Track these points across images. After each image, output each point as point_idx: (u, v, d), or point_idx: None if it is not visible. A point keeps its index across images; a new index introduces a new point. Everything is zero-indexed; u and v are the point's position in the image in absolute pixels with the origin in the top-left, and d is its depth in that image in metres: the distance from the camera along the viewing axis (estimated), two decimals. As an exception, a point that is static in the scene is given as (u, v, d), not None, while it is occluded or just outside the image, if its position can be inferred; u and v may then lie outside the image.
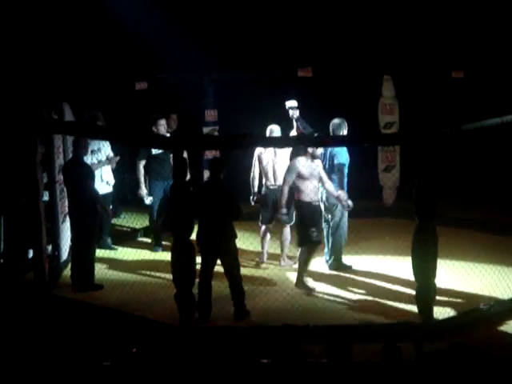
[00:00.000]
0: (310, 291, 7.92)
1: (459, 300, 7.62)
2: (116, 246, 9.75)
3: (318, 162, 8.24)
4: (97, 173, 8.97)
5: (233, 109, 11.49)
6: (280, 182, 8.75)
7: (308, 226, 7.95)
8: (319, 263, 8.64)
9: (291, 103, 8.76)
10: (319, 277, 8.32)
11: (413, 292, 7.12)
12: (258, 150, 8.91)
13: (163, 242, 9.56)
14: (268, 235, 8.98)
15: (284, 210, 8.21)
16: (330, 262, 8.66)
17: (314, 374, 5.16)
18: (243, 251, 8.93)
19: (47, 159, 8.48)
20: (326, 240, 8.62)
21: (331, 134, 8.46)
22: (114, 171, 9.87)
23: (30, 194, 7.83)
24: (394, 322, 7.03)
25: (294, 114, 8.72)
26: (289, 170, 8.12)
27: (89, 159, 9.01)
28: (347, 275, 8.52)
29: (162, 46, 11.22)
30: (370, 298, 7.78)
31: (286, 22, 11.71)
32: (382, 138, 9.18)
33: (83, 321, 7.21)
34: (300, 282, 8.04)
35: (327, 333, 6.43)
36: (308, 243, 7.98)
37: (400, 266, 8.36)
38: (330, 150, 8.47)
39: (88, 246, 8.16)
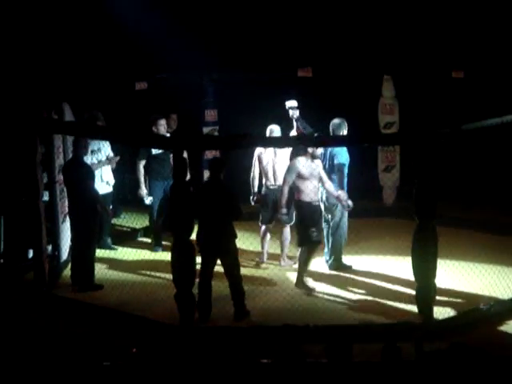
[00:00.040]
0: (310, 291, 7.92)
1: (459, 300, 7.62)
2: (116, 246, 9.75)
3: (318, 161, 8.25)
4: (97, 173, 8.97)
5: (233, 109, 11.49)
6: (280, 182, 8.75)
7: (308, 226, 7.95)
8: (319, 263, 8.64)
9: (291, 103, 8.76)
10: (319, 277, 8.32)
11: (413, 292, 7.12)
12: (258, 150, 8.91)
13: (163, 242, 9.56)
14: (268, 235, 8.98)
15: (284, 210, 8.22)
16: (330, 261, 8.66)
17: (314, 374, 5.17)
18: (243, 251, 8.92)
19: (47, 159, 8.48)
20: (325, 240, 8.62)
21: (331, 134, 8.47)
22: (114, 171, 9.87)
23: (30, 193, 7.83)
24: (394, 322, 7.03)
25: (294, 114, 8.72)
26: (289, 169, 8.12)
27: (89, 159, 9.01)
28: (347, 275, 8.52)
29: (162, 46, 11.22)
30: (369, 298, 7.78)
31: (286, 22, 11.71)
32: (382, 137, 9.19)
33: (83, 321, 7.21)
34: (300, 281, 8.04)
35: (327, 333, 6.43)
36: (308, 243, 7.98)
37: (400, 266, 8.36)
38: (329, 150, 8.47)
39: (88, 246, 8.17)
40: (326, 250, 8.69)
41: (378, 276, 8.42)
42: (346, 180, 8.43)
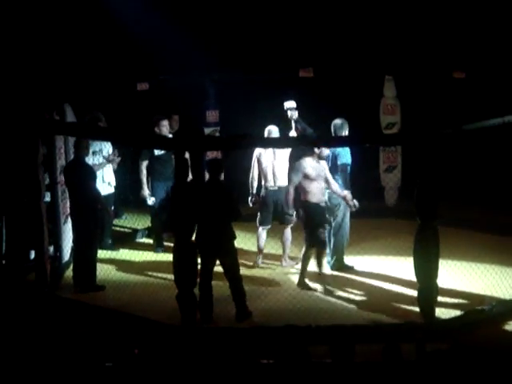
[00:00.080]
0: (312, 291, 7.92)
1: (461, 300, 7.61)
2: (117, 247, 9.75)
3: (324, 162, 8.23)
4: (98, 174, 8.98)
5: (234, 110, 11.50)
6: (280, 183, 8.75)
7: (316, 227, 7.95)
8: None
9: (290, 104, 8.74)
10: (321, 277, 8.31)
11: (415, 292, 7.12)
12: (257, 152, 8.89)
13: (165, 243, 9.57)
14: (264, 237, 8.93)
15: (292, 210, 8.18)
16: (331, 262, 8.66)
17: (316, 374, 5.17)
18: (244, 252, 8.95)
19: (49, 160, 8.49)
20: (327, 240, 8.61)
21: (333, 134, 8.46)
22: (116, 172, 9.88)
23: (31, 194, 7.83)
24: (396, 322, 7.03)
25: (293, 115, 8.70)
26: (295, 170, 8.09)
27: (90, 160, 9.02)
28: (349, 276, 8.52)
29: (163, 47, 11.22)
30: (371, 298, 7.78)
31: (287, 23, 11.71)
32: (384, 138, 9.18)
33: (85, 321, 7.20)
34: (302, 282, 8.05)
35: (329, 333, 6.42)
36: (317, 244, 7.99)
37: (402, 267, 8.35)
38: (332, 150, 8.47)
39: (90, 246, 8.17)
40: (327, 250, 8.67)
41: (380, 276, 8.42)
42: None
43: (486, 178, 11.22)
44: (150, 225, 10.28)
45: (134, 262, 9.16)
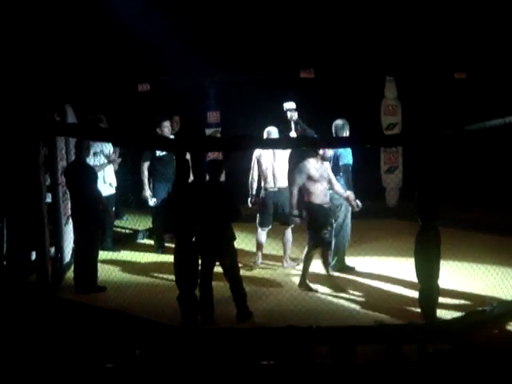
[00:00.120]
0: (313, 292, 7.93)
1: (462, 301, 7.61)
2: (118, 248, 9.76)
3: (327, 163, 8.23)
4: (99, 174, 8.98)
5: (235, 110, 11.49)
6: (280, 184, 8.74)
7: (320, 228, 7.96)
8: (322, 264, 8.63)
9: (289, 105, 8.72)
10: (322, 278, 8.31)
11: (416, 293, 7.11)
12: (257, 153, 8.88)
13: (166, 244, 9.57)
14: (264, 238, 8.92)
15: (295, 211, 8.17)
16: (332, 263, 8.65)
17: (318, 375, 5.17)
18: (244, 253, 8.95)
19: (50, 161, 8.49)
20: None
21: (334, 135, 8.46)
22: (117, 173, 9.89)
23: (32, 196, 7.83)
24: (397, 323, 7.03)
25: (293, 116, 8.69)
26: (298, 171, 8.08)
27: (91, 161, 9.03)
28: (350, 276, 8.52)
29: (164, 48, 11.22)
30: (372, 299, 7.77)
31: (288, 24, 11.71)
32: (385, 139, 9.17)
33: (86, 323, 7.20)
34: (303, 283, 8.05)
35: (330, 334, 6.42)
36: (322, 245, 8.00)
37: (403, 268, 8.35)
38: (334, 151, 8.45)
39: (91, 247, 8.17)
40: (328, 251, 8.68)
41: (381, 277, 8.42)
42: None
43: (486, 179, 11.22)
44: (150, 226, 10.29)
45: (135, 262, 9.16)
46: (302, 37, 11.72)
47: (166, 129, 9.48)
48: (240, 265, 7.69)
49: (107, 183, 9.61)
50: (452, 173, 10.55)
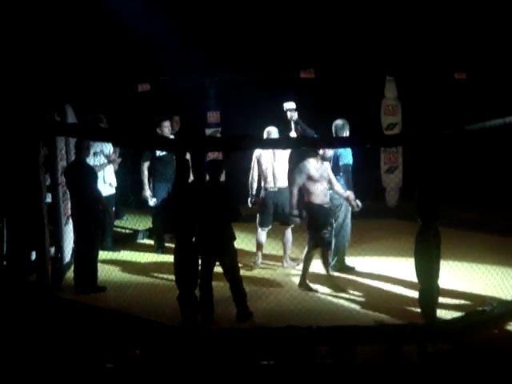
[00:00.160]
0: (313, 292, 7.93)
1: (462, 301, 7.61)
2: (118, 248, 9.76)
3: (327, 163, 8.22)
4: (99, 174, 8.98)
5: (235, 110, 11.49)
6: (280, 184, 8.73)
7: (321, 228, 7.96)
8: (321, 264, 8.62)
9: (289, 105, 8.71)
10: (322, 278, 8.31)
11: (416, 293, 7.11)
12: (257, 153, 8.87)
13: (166, 244, 9.57)
14: (264, 238, 8.90)
15: (296, 212, 8.16)
16: (333, 263, 8.65)
17: (318, 374, 5.17)
18: (245, 253, 8.96)
19: (50, 161, 8.49)
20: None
21: (334, 134, 8.46)
22: (117, 173, 9.89)
23: (32, 196, 7.83)
24: (397, 323, 7.03)
25: (293, 116, 8.68)
26: (298, 171, 8.08)
27: (91, 161, 9.03)
28: (350, 276, 8.52)
29: (164, 48, 11.22)
30: (372, 299, 7.77)
31: (288, 24, 11.71)
32: (385, 139, 9.16)
33: (86, 323, 7.20)
34: (303, 282, 8.05)
35: (330, 334, 6.42)
36: (322, 244, 8.01)
37: (403, 268, 8.35)
38: (334, 151, 8.45)
39: (91, 247, 8.17)
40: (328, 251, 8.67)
41: (381, 277, 8.42)
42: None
43: (486, 179, 11.21)
44: (150, 226, 10.29)
45: (135, 262, 9.16)
46: (302, 37, 11.71)
47: (166, 129, 9.48)
48: (240, 265, 7.70)
49: (107, 183, 9.61)
50: (452, 173, 10.55)
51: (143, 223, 10.60)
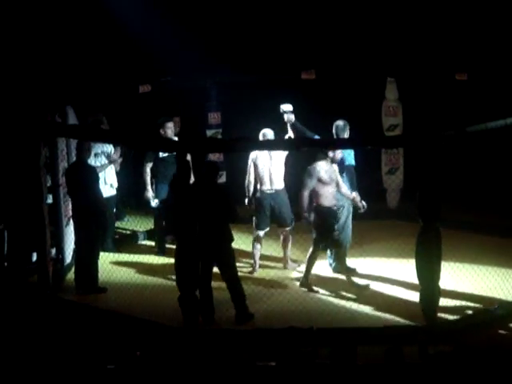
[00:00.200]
0: (314, 293, 7.93)
1: (463, 302, 7.61)
2: (119, 249, 9.75)
3: (335, 165, 8.19)
4: (100, 175, 8.98)
5: (236, 112, 11.49)
6: (276, 186, 8.68)
7: (332, 230, 7.96)
8: (323, 266, 8.63)
9: (286, 107, 8.69)
10: (323, 279, 8.31)
11: (417, 294, 7.11)
12: (253, 155, 8.80)
13: (167, 245, 9.57)
14: (260, 243, 8.80)
15: (306, 215, 8.09)
16: (333, 264, 8.65)
17: (319, 376, 5.16)
18: (244, 254, 8.95)
19: (51, 162, 8.48)
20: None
21: (335, 135, 8.45)
22: (118, 174, 9.88)
23: (33, 197, 7.84)
24: (398, 324, 7.02)
25: (290, 118, 8.66)
26: (309, 174, 8.02)
27: (92, 162, 9.03)
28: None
29: (165, 49, 11.22)
30: (373, 300, 7.77)
31: (289, 25, 11.71)
32: (386, 140, 9.16)
33: (87, 323, 7.21)
34: (305, 282, 8.05)
35: (331, 335, 6.42)
36: (336, 246, 8.05)
37: (404, 269, 8.34)
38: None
39: (92, 248, 8.17)
40: (329, 253, 8.67)
41: (382, 278, 8.42)
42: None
43: (487, 180, 11.20)
44: (152, 227, 10.28)
45: (136, 263, 9.16)
46: (303, 38, 11.71)
47: (170, 130, 9.46)
48: (240, 265, 7.70)
49: (108, 184, 9.61)
50: (453, 174, 10.55)
51: (144, 224, 10.60)
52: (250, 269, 8.78)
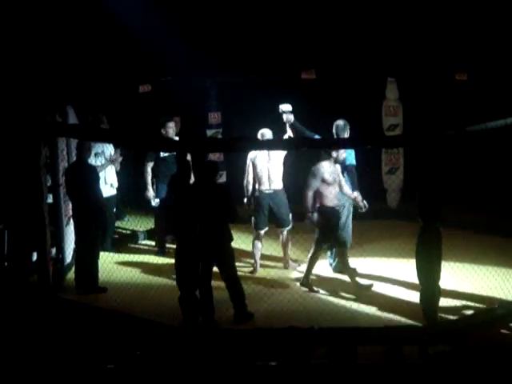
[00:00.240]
0: (314, 293, 7.93)
1: (463, 302, 7.61)
2: (119, 249, 9.75)
3: (338, 165, 8.18)
4: (101, 175, 8.98)
5: (236, 111, 11.49)
6: (275, 186, 8.67)
7: (335, 230, 7.96)
8: (323, 266, 8.63)
9: (285, 107, 8.68)
10: (323, 279, 8.31)
11: (417, 294, 7.11)
12: (252, 155, 8.79)
13: (167, 245, 9.57)
14: (260, 243, 8.79)
15: (311, 215, 8.04)
16: (333, 264, 8.65)
17: (319, 375, 5.17)
18: (244, 254, 8.95)
19: (51, 162, 8.49)
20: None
21: (335, 135, 8.45)
22: (118, 174, 9.88)
23: (33, 196, 7.83)
24: (399, 324, 7.02)
25: (289, 118, 8.65)
26: (313, 174, 8.00)
27: (92, 162, 9.03)
28: (351, 277, 8.51)
29: (165, 49, 11.22)
30: (373, 300, 7.77)
31: (289, 25, 11.71)
32: (386, 140, 9.15)
33: (87, 323, 7.20)
34: (306, 282, 8.05)
35: (332, 335, 6.42)
36: (340, 245, 8.05)
37: (404, 269, 8.35)
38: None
39: (92, 248, 8.17)
40: (329, 253, 8.68)
41: (382, 278, 8.42)
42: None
43: (487, 180, 11.20)
44: (152, 227, 10.28)
45: (136, 263, 9.16)
46: (304, 38, 11.71)
47: (171, 130, 9.45)
48: (240, 264, 7.70)
49: (108, 184, 9.61)
50: (453, 174, 10.55)
51: (144, 224, 10.60)
52: (251, 269, 8.78)
